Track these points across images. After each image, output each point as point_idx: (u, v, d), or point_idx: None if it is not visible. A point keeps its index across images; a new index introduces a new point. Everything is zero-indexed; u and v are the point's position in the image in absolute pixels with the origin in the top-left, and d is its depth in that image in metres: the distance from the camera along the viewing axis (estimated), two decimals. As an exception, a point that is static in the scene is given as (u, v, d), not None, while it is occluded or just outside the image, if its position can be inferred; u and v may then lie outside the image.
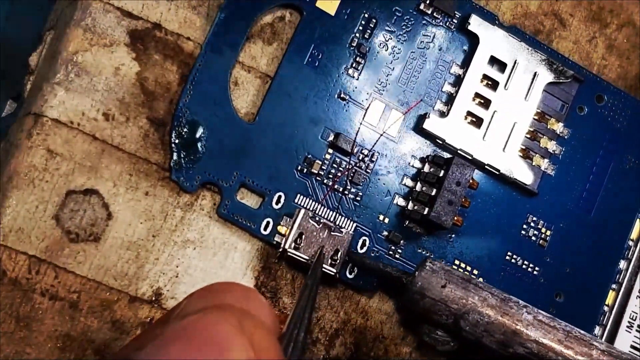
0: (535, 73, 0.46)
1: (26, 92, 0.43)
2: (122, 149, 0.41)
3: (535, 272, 0.46)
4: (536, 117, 0.46)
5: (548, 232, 0.47)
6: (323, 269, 0.42)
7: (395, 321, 0.45)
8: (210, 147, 0.42)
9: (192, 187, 0.42)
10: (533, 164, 0.46)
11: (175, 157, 0.42)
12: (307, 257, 0.42)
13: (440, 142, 0.45)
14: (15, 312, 0.40)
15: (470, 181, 0.44)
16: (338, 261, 0.42)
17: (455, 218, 0.43)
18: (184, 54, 0.42)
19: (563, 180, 0.47)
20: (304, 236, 0.42)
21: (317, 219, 0.43)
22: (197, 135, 0.42)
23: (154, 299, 0.41)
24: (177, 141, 0.42)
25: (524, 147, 0.46)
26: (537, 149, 0.46)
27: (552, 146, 0.46)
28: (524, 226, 0.46)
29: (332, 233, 0.43)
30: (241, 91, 0.43)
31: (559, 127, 0.47)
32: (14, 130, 0.42)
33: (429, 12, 0.45)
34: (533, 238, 0.46)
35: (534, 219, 0.46)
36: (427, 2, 0.45)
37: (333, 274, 0.42)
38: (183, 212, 0.42)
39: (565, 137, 0.47)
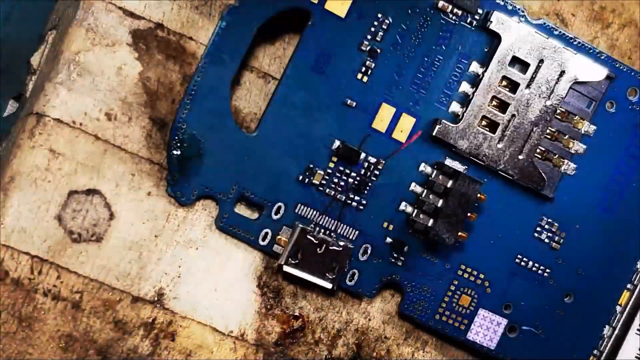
0: (562, 72, 0.44)
1: (28, 91, 0.43)
2: (124, 149, 0.41)
3: (545, 274, 0.46)
4: (559, 117, 0.44)
5: (563, 235, 0.46)
6: (319, 284, 0.42)
7: (398, 321, 0.45)
8: (208, 160, 0.41)
9: (188, 200, 0.41)
10: (552, 165, 0.44)
11: (171, 171, 0.41)
12: (304, 274, 0.41)
13: (452, 149, 0.43)
14: (18, 312, 0.40)
15: (478, 196, 0.43)
16: (335, 277, 0.42)
17: (459, 234, 0.43)
18: (186, 54, 0.42)
19: (583, 181, 0.46)
20: (300, 252, 0.41)
21: (314, 233, 0.42)
22: (195, 149, 0.41)
23: (156, 299, 0.41)
24: (174, 155, 0.41)
25: (542, 149, 0.44)
26: (557, 149, 0.44)
27: (574, 145, 0.45)
28: (537, 229, 0.45)
29: (331, 248, 0.42)
30: (243, 91, 0.43)
31: (584, 126, 0.45)
32: (15, 130, 0.42)
33: (448, 9, 0.43)
34: (546, 240, 0.46)
35: (549, 221, 0.45)
36: None
37: (329, 288, 0.42)
38: (185, 212, 0.42)
39: (591, 135, 0.45)
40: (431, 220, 0.42)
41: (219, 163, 0.41)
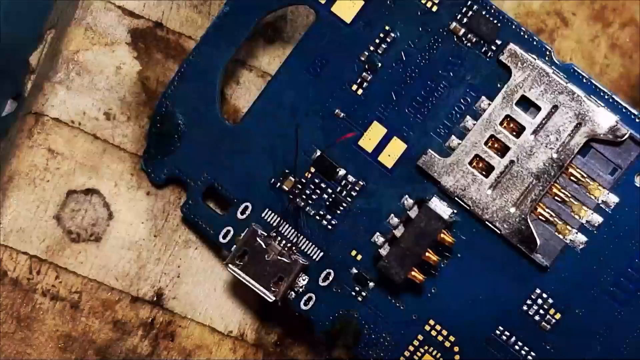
0: (578, 125, 0.38)
1: (27, 91, 0.43)
2: (123, 148, 0.41)
3: (529, 357, 0.38)
4: (574, 179, 0.38)
5: (557, 316, 0.38)
6: (260, 293, 0.39)
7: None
8: (186, 143, 0.40)
9: (158, 179, 0.41)
10: (555, 232, 0.38)
11: (148, 146, 0.41)
12: (247, 278, 0.39)
13: (438, 185, 0.39)
14: (16, 312, 0.40)
15: (441, 237, 0.37)
16: (280, 289, 0.38)
17: (413, 274, 0.37)
18: (185, 53, 0.42)
19: (594, 259, 0.38)
20: (247, 255, 0.39)
21: (268, 240, 0.39)
22: (175, 129, 0.40)
23: (155, 299, 0.41)
24: (153, 130, 0.40)
25: (547, 211, 0.38)
26: (565, 215, 0.38)
27: (586, 215, 0.38)
28: (528, 301, 0.38)
29: (279, 258, 0.39)
30: (243, 90, 0.43)
31: (601, 195, 0.38)
32: (14, 130, 0.42)
33: (462, 33, 0.39)
34: (536, 317, 0.38)
35: (544, 295, 0.38)
36: (463, 22, 0.39)
37: (270, 300, 0.39)
38: (185, 212, 0.42)
39: (610, 207, 0.38)
40: (387, 250, 0.38)
41: (196, 148, 0.40)
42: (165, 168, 0.41)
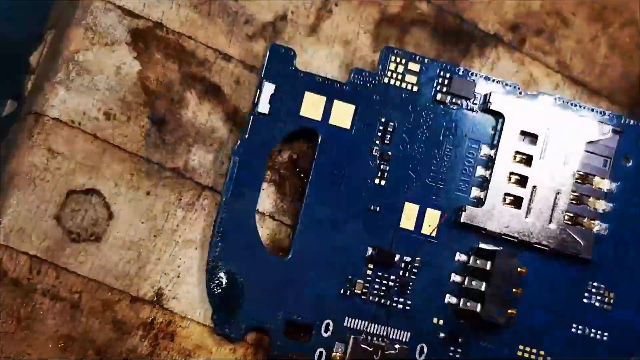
0: (571, 136, 0.44)
1: (27, 91, 0.43)
2: (123, 148, 0.41)
3: (604, 339, 0.45)
4: (579, 180, 0.44)
5: (612, 295, 0.45)
6: None
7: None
8: (249, 293, 0.41)
9: (238, 336, 0.41)
10: (584, 228, 0.44)
11: (216, 311, 0.41)
12: None
13: (482, 232, 0.43)
14: (16, 312, 0.40)
15: (519, 270, 0.43)
16: None
17: (509, 311, 0.42)
18: (185, 53, 0.42)
19: (617, 237, 0.45)
20: None
21: (368, 341, 0.42)
22: (235, 285, 0.41)
23: (155, 299, 0.41)
24: (214, 294, 0.41)
25: (571, 214, 0.44)
26: (585, 212, 0.44)
27: (600, 205, 0.45)
28: (585, 294, 0.45)
29: (387, 352, 0.42)
30: (243, 90, 0.43)
31: (605, 184, 0.45)
32: (14, 130, 0.41)
33: (447, 100, 0.44)
34: (597, 304, 0.45)
35: (595, 284, 0.45)
36: (444, 90, 0.43)
37: None
38: (185, 212, 0.42)
39: (614, 192, 0.45)
40: (479, 306, 0.42)
41: (260, 293, 0.41)
42: (240, 324, 0.41)
